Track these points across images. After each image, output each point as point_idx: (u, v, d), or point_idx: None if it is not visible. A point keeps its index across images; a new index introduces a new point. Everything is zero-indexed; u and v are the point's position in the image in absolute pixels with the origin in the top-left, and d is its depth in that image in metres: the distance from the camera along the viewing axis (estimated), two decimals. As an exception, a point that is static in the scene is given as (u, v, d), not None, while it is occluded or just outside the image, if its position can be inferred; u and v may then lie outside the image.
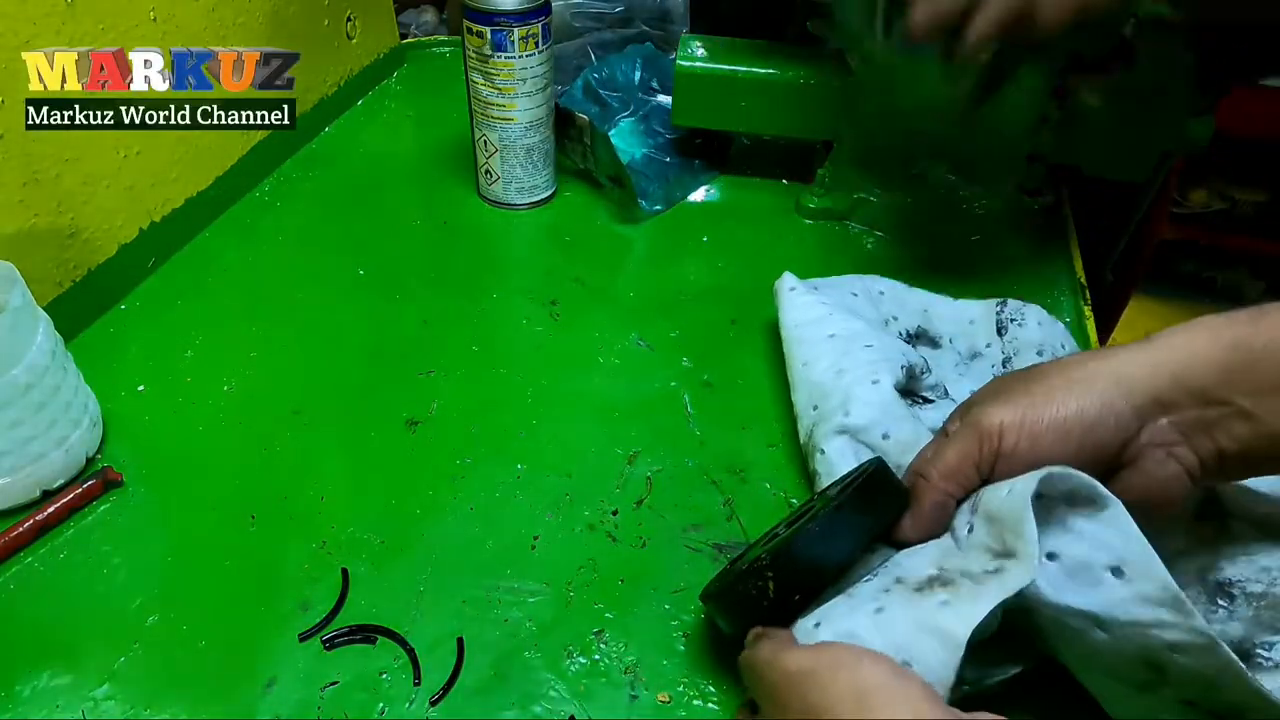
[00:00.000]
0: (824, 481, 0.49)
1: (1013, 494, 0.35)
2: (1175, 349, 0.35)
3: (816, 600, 0.39)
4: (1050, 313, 0.61)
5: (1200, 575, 0.40)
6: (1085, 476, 0.34)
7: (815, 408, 0.51)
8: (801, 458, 0.53)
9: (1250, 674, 0.32)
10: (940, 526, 0.39)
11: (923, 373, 0.54)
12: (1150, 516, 0.34)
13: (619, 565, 0.48)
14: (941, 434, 0.41)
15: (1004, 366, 0.57)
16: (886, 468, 0.41)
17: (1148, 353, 0.36)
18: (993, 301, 0.60)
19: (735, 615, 0.40)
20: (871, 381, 0.50)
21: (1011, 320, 0.57)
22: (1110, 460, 0.36)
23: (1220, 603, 0.39)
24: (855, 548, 0.40)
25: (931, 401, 0.54)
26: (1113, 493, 0.34)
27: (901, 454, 0.47)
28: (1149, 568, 0.33)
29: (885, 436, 0.48)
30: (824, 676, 0.31)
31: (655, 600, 0.46)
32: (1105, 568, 0.34)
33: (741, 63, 0.74)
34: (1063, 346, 0.57)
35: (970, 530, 0.37)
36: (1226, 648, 0.32)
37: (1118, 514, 0.34)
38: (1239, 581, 0.39)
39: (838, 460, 0.48)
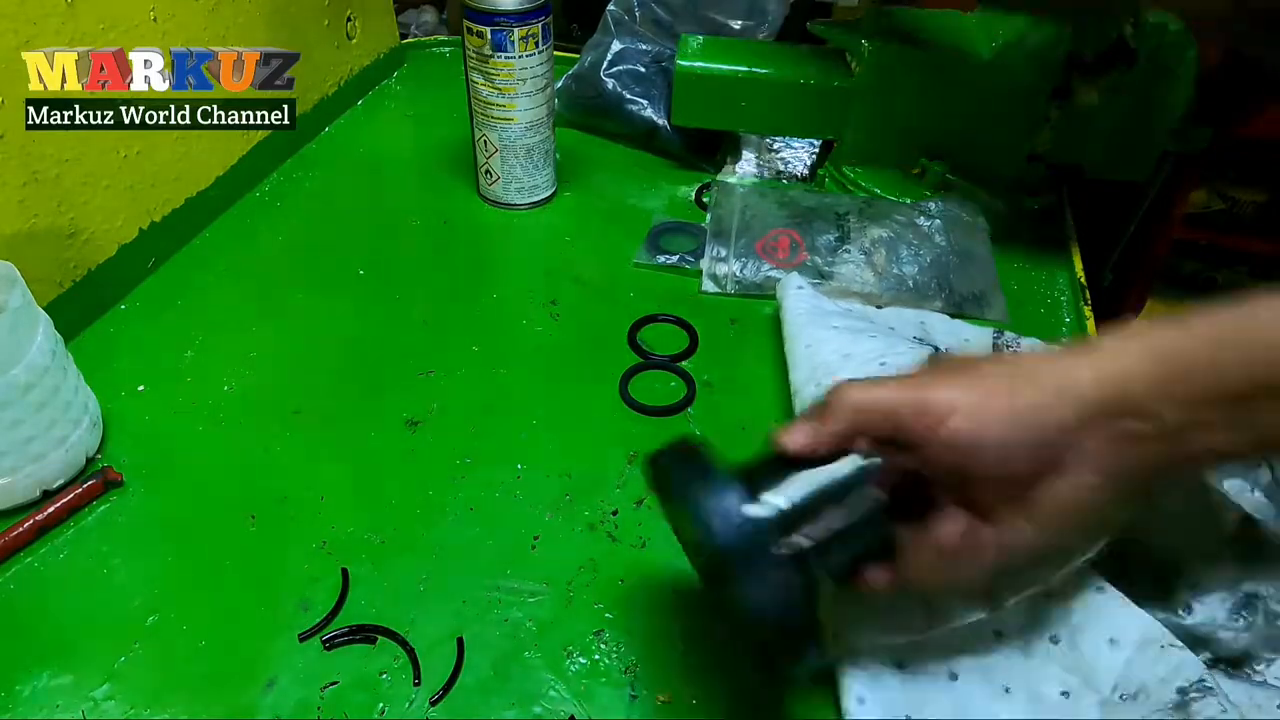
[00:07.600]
0: None
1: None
2: (1115, 357, 0.34)
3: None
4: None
5: (1232, 585, 0.41)
6: None
7: (818, 384, 0.52)
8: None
9: None
10: (832, 445, 0.36)
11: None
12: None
13: (619, 565, 0.48)
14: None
15: None
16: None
17: (1090, 359, 0.34)
18: (989, 329, 0.60)
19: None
20: (879, 364, 0.51)
21: (1007, 346, 0.57)
22: (1044, 464, 0.34)
23: (1243, 614, 0.41)
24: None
25: None
26: (1041, 499, 0.34)
27: None
28: None
29: None
30: None
31: (655, 600, 0.46)
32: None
33: (741, 63, 0.74)
34: None
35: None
36: None
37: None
38: (1264, 597, 0.41)
39: None
